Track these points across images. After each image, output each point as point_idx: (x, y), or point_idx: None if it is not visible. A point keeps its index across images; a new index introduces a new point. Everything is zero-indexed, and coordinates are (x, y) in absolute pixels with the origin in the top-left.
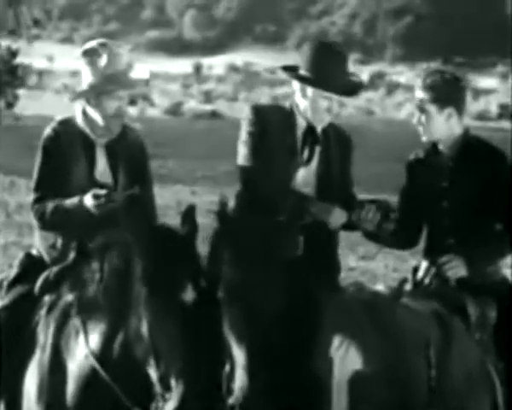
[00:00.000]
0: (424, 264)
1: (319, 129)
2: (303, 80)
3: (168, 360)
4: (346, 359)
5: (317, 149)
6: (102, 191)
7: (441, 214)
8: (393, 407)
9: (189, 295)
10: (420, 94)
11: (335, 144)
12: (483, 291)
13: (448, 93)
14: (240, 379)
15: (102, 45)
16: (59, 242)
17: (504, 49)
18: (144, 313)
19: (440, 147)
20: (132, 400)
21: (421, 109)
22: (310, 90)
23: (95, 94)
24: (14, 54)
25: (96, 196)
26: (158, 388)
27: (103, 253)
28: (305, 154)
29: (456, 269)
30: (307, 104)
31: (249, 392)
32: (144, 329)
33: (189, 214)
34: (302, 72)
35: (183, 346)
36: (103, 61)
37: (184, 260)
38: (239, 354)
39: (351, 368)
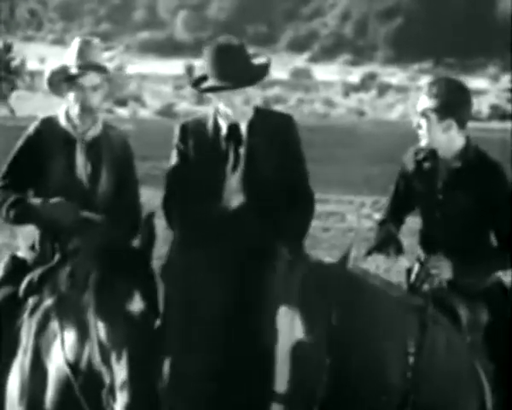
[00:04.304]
0: (416, 268)
1: (244, 125)
2: (207, 91)
3: (114, 370)
4: (290, 327)
5: (243, 150)
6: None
7: (434, 224)
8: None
9: (136, 305)
10: (424, 100)
11: (265, 135)
12: (475, 294)
13: (451, 104)
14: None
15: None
16: (37, 243)
17: (495, 50)
18: (93, 323)
19: (440, 153)
20: None
21: (422, 114)
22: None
23: (59, 84)
24: (8, 49)
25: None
26: (105, 399)
27: (74, 257)
28: (231, 160)
29: (441, 270)
30: (224, 103)
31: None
32: (95, 338)
33: (147, 223)
34: (209, 81)
35: (129, 356)
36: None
37: (133, 269)
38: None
39: (295, 337)
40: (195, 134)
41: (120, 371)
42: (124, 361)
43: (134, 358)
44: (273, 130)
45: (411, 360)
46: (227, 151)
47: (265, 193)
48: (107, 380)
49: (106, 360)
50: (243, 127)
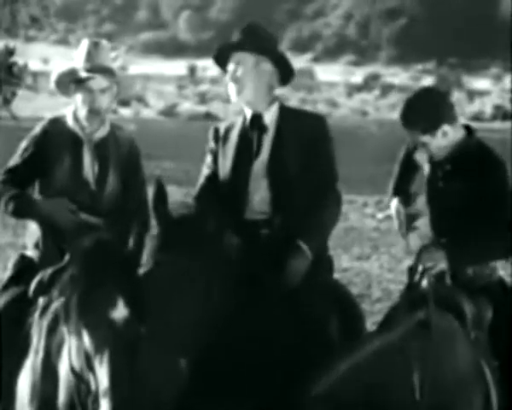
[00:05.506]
0: (421, 266)
1: (267, 116)
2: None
3: (97, 377)
4: None
5: (267, 139)
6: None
7: (435, 214)
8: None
9: (119, 312)
10: (409, 132)
11: (294, 130)
12: (479, 291)
13: (433, 119)
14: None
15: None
16: (40, 241)
17: (498, 50)
18: (78, 329)
19: (447, 150)
20: None
21: (416, 144)
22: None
23: (66, 86)
24: (10, 52)
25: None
26: (90, 406)
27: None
28: (254, 147)
29: (434, 261)
30: (243, 92)
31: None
32: (81, 345)
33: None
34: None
35: (110, 363)
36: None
37: (118, 276)
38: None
39: None
40: (226, 132)
41: (103, 379)
42: (106, 369)
43: (116, 365)
44: (303, 128)
45: (417, 374)
46: (252, 139)
47: (289, 184)
48: (93, 387)
49: (91, 368)
50: (267, 118)
